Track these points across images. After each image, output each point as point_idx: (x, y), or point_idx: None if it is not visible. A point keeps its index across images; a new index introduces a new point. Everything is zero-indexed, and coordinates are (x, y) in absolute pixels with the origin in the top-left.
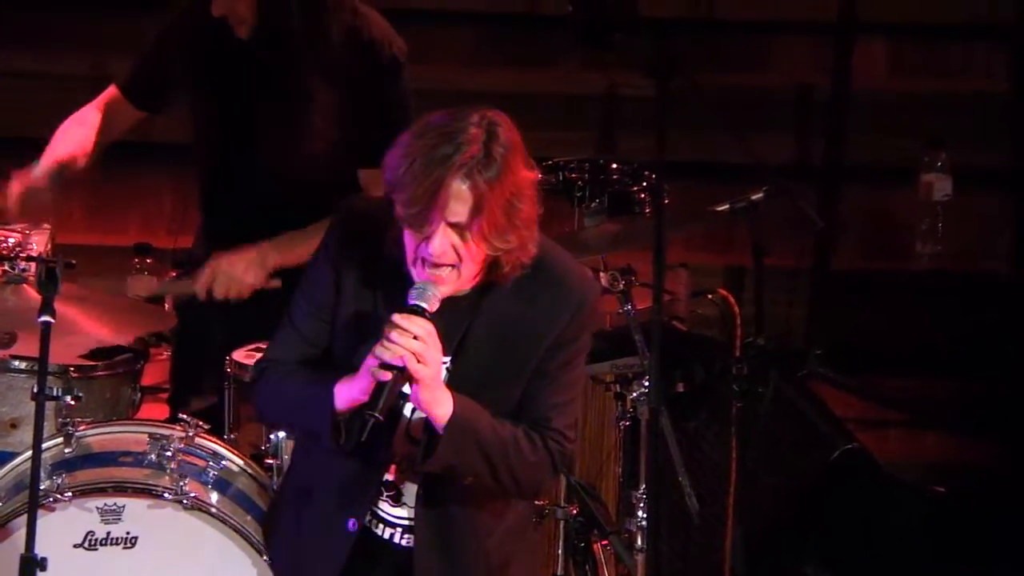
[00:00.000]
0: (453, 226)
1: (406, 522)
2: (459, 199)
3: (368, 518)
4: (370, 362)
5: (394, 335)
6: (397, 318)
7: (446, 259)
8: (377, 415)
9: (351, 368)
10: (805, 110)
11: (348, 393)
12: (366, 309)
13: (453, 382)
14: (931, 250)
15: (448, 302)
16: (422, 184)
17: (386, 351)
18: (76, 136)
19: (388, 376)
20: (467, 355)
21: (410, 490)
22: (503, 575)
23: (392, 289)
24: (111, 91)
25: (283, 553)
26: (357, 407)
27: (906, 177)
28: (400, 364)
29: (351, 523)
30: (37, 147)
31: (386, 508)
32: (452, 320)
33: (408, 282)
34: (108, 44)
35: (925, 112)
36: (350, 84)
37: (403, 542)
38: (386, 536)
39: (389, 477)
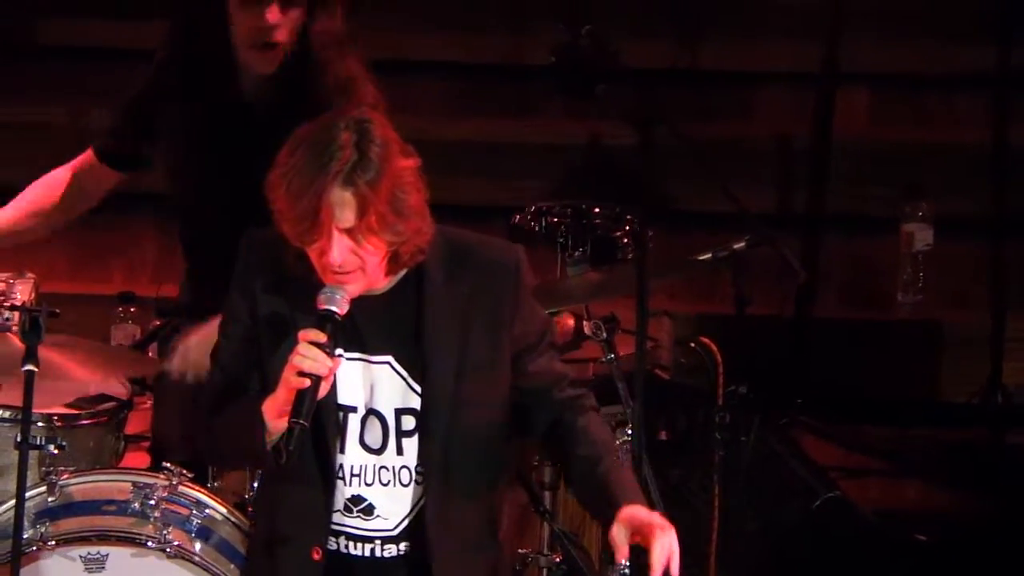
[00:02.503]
0: (345, 232)
1: (384, 534)
2: (344, 206)
3: (340, 542)
4: (287, 373)
5: (303, 346)
6: (304, 331)
7: (349, 265)
8: (302, 422)
9: None
10: (787, 159)
11: (273, 406)
12: (285, 327)
13: (427, 375)
14: (912, 299)
15: (383, 301)
16: (303, 200)
17: (303, 360)
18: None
19: (307, 383)
20: (428, 348)
21: (382, 500)
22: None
23: (306, 303)
24: (86, 155)
25: None
26: (284, 432)
27: (887, 226)
28: (314, 372)
29: (314, 551)
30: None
31: (358, 524)
32: (395, 318)
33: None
34: (88, 93)
35: (906, 161)
36: None
37: (387, 553)
38: (366, 553)
39: (356, 492)
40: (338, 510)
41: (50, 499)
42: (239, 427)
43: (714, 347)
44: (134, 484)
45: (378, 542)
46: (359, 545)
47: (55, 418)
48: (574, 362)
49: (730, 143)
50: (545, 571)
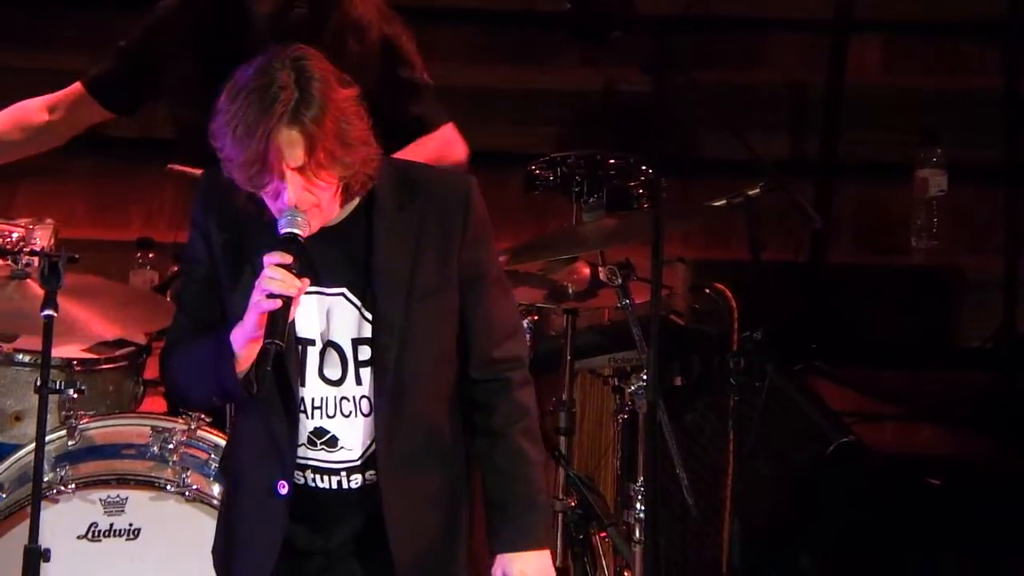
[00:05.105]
0: (297, 170)
1: (348, 464)
2: (292, 145)
3: (306, 475)
4: (255, 297)
5: (270, 268)
6: (269, 255)
7: (304, 203)
8: (278, 342)
9: None
10: (801, 106)
11: (242, 333)
12: (243, 262)
13: (377, 304)
14: (926, 245)
15: (335, 233)
16: (251, 145)
17: (272, 282)
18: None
19: (278, 304)
20: (378, 277)
21: (344, 431)
22: (461, 502)
23: (261, 237)
24: (75, 87)
25: (220, 540)
26: (258, 353)
27: (901, 172)
28: (284, 292)
29: (280, 485)
30: None
31: (323, 456)
32: (348, 248)
33: (275, 223)
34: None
35: (920, 108)
36: (364, 72)
37: (352, 484)
38: (332, 485)
39: (319, 425)
40: (302, 444)
41: (70, 443)
42: (206, 362)
43: (729, 293)
44: (153, 428)
45: (343, 473)
46: (325, 477)
47: (74, 363)
48: (590, 309)
49: (744, 90)
50: (560, 516)
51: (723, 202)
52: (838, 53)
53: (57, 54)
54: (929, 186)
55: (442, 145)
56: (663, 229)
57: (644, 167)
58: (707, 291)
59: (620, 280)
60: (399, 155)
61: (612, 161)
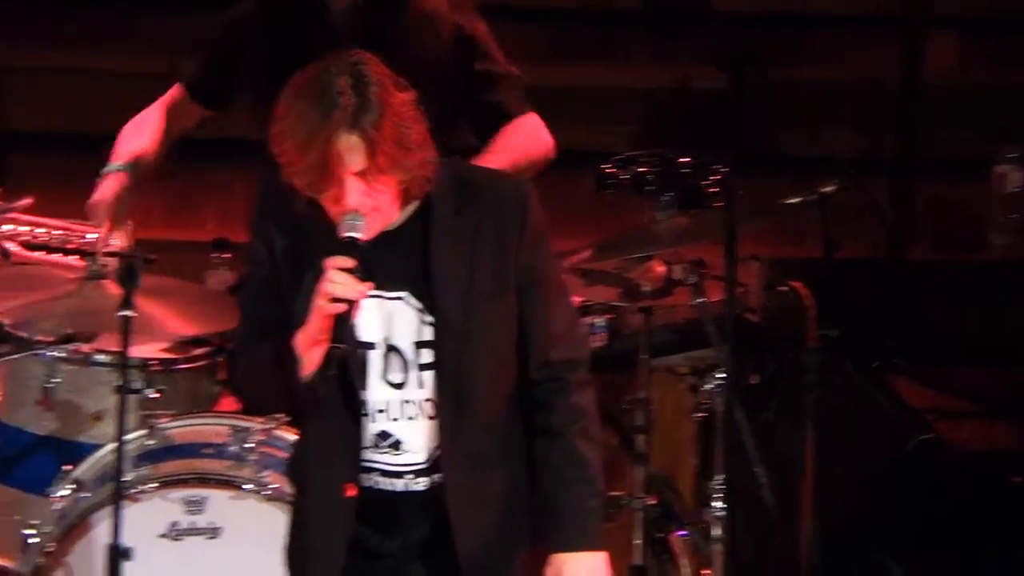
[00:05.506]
0: (357, 175)
1: (414, 467)
2: (352, 151)
3: (373, 478)
4: (318, 301)
5: (332, 272)
6: (331, 259)
7: (364, 208)
8: (342, 346)
9: None
10: (875, 103)
11: (305, 337)
12: (303, 267)
13: (437, 307)
14: (1004, 241)
15: (393, 237)
16: (311, 151)
17: (334, 286)
18: (139, 140)
19: (341, 308)
20: (436, 280)
21: (408, 434)
22: (524, 504)
23: (323, 239)
24: (175, 91)
25: (291, 541)
26: (322, 357)
27: (978, 169)
28: (347, 296)
29: (346, 488)
30: (107, 146)
31: (388, 460)
32: (407, 252)
33: (335, 227)
34: (190, 43)
35: (996, 104)
36: (440, 66)
37: (418, 487)
38: (399, 488)
39: (383, 428)
40: (367, 447)
41: (150, 442)
42: (271, 368)
43: (804, 291)
44: (232, 427)
45: (410, 476)
46: (391, 480)
47: (152, 363)
48: (665, 307)
49: (819, 86)
50: (639, 514)
51: (798, 200)
52: (913, 49)
53: (133, 55)
54: (1007, 182)
55: (527, 139)
56: (737, 227)
57: (717, 165)
58: (782, 289)
59: (694, 278)
60: (487, 151)
61: (685, 159)
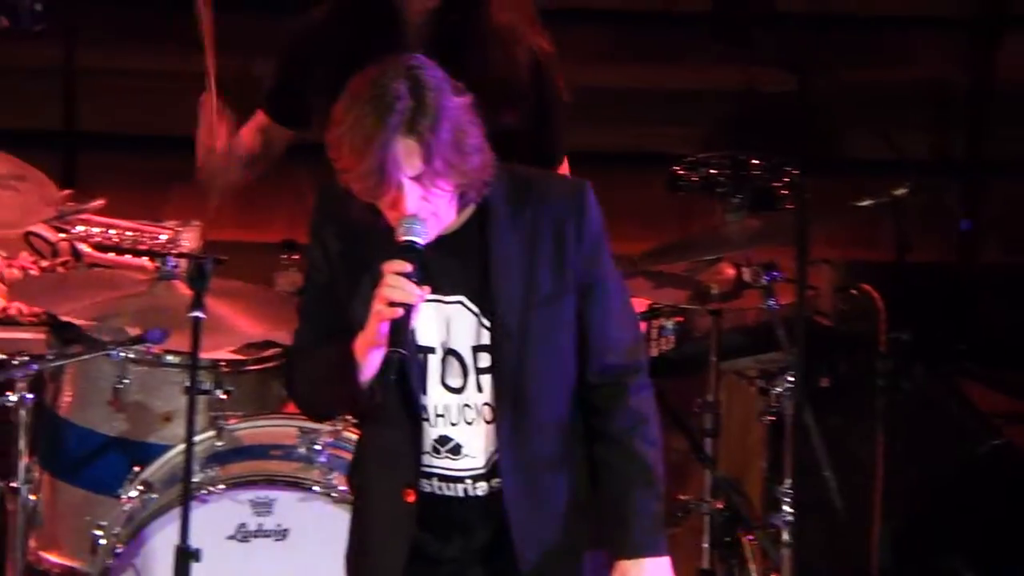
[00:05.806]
0: (414, 180)
1: (474, 472)
2: (410, 155)
3: (433, 483)
4: (376, 306)
5: (390, 277)
6: (388, 263)
7: (422, 212)
8: (401, 351)
9: None
10: (945, 104)
11: (364, 342)
12: (361, 272)
13: (495, 311)
14: None
15: (451, 241)
16: (369, 156)
17: (393, 291)
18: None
19: (400, 312)
20: (495, 284)
21: (468, 439)
22: (584, 509)
23: (381, 244)
24: (259, 117)
25: (352, 546)
26: (381, 361)
27: None
28: (405, 301)
29: (406, 493)
30: (186, 145)
31: (448, 464)
32: (465, 256)
33: (393, 232)
34: (258, 45)
35: None
36: (510, 85)
37: (478, 492)
38: (459, 493)
39: (442, 433)
40: (427, 452)
41: (218, 443)
42: (330, 372)
43: (875, 294)
44: (300, 429)
45: (469, 481)
46: (451, 485)
47: (222, 364)
48: (734, 310)
49: (889, 88)
50: (707, 518)
51: (869, 202)
52: (984, 50)
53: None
54: None
55: None
56: (808, 230)
57: (787, 167)
58: (853, 292)
59: (765, 281)
60: None
61: (755, 161)
